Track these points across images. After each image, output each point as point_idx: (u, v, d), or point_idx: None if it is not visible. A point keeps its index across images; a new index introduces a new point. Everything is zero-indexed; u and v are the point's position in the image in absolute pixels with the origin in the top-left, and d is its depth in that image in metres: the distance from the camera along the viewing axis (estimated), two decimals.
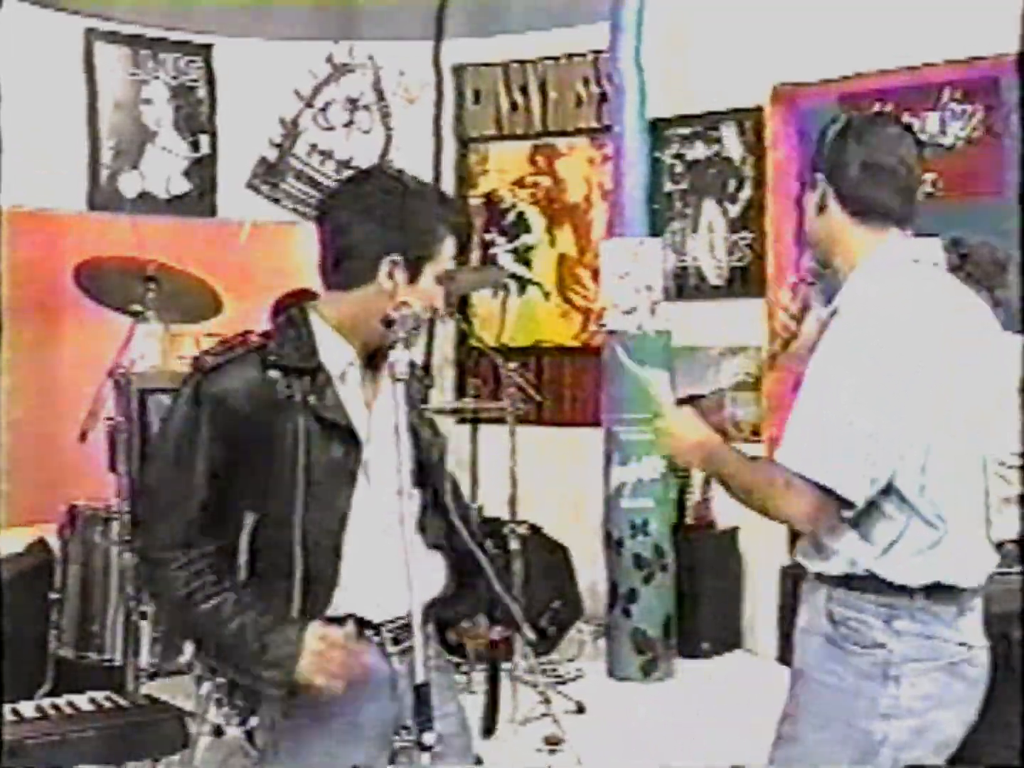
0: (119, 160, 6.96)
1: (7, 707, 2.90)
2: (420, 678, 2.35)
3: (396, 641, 2.63)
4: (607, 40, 6.53)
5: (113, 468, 5.61)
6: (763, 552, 6.56)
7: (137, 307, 4.95)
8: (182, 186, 7.13)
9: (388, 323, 2.48)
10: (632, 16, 6.32)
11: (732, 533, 6.72)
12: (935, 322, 2.64)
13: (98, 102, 6.87)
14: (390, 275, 2.54)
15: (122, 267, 5.06)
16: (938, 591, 2.63)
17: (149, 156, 7.04)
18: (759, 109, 6.71)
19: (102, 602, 5.08)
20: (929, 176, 6.24)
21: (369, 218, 2.55)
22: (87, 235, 6.96)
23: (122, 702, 2.89)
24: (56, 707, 2.88)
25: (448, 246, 2.61)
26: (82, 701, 2.89)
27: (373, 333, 2.55)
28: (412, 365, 2.48)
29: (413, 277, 2.55)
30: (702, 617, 6.54)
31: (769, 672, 6.12)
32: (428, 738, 2.33)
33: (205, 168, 7.21)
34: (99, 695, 2.95)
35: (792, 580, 6.25)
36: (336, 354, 2.58)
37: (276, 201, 7.42)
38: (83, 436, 5.00)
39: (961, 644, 2.67)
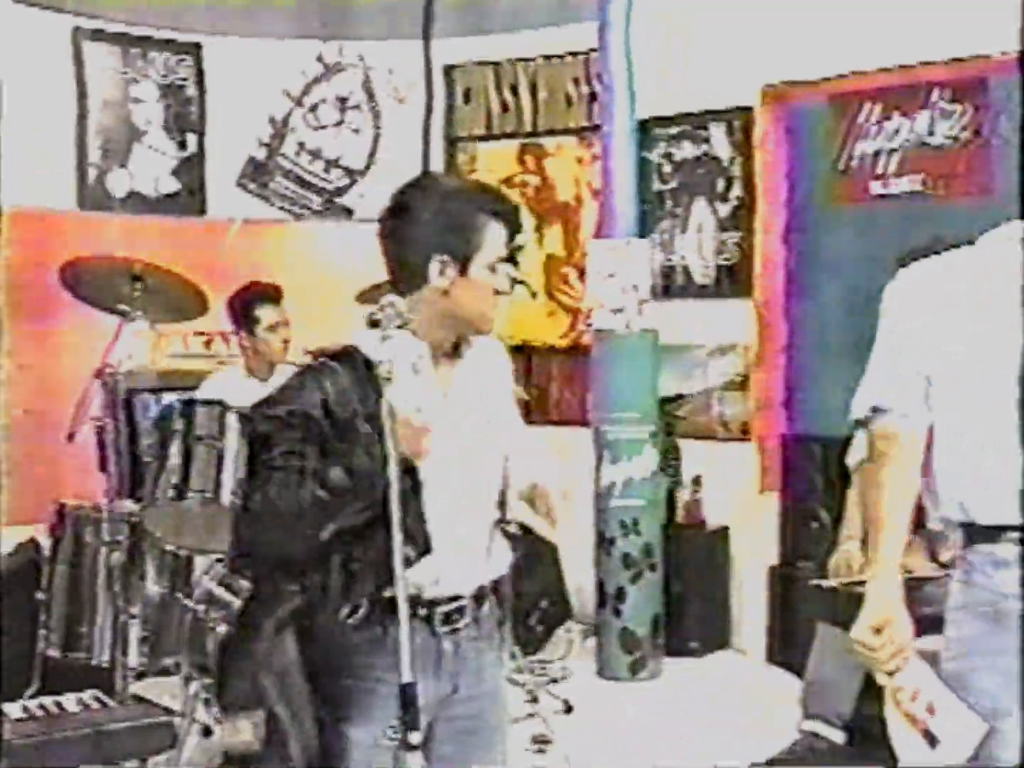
0: (108, 159, 6.99)
1: None
2: (406, 678, 2.37)
3: (447, 620, 2.72)
4: (595, 40, 6.53)
5: (103, 468, 5.65)
6: (753, 552, 6.64)
7: (123, 306, 4.93)
8: (171, 185, 7.16)
9: (373, 323, 2.51)
10: (621, 15, 6.35)
11: (722, 532, 6.78)
12: None
13: (87, 101, 6.90)
14: (441, 273, 2.67)
15: (108, 266, 5.06)
16: None
17: (138, 155, 7.08)
18: (748, 109, 6.75)
19: (90, 602, 5.08)
20: (918, 175, 6.38)
21: (411, 224, 2.69)
22: (76, 235, 6.95)
23: (109, 702, 2.90)
24: (43, 707, 2.88)
25: (493, 232, 2.70)
26: (70, 702, 2.89)
27: (442, 330, 2.74)
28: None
29: (463, 270, 2.68)
30: (691, 616, 6.58)
31: (757, 672, 6.32)
32: (414, 738, 2.37)
33: (194, 167, 7.25)
34: (86, 695, 2.96)
35: (781, 580, 6.37)
36: (406, 350, 2.64)
37: (265, 200, 7.47)
38: (71, 436, 4.99)
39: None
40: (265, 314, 5.43)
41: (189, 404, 4.75)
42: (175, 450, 4.65)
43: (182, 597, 5.01)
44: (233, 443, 4.66)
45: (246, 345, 5.50)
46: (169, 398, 5.51)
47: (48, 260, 6.42)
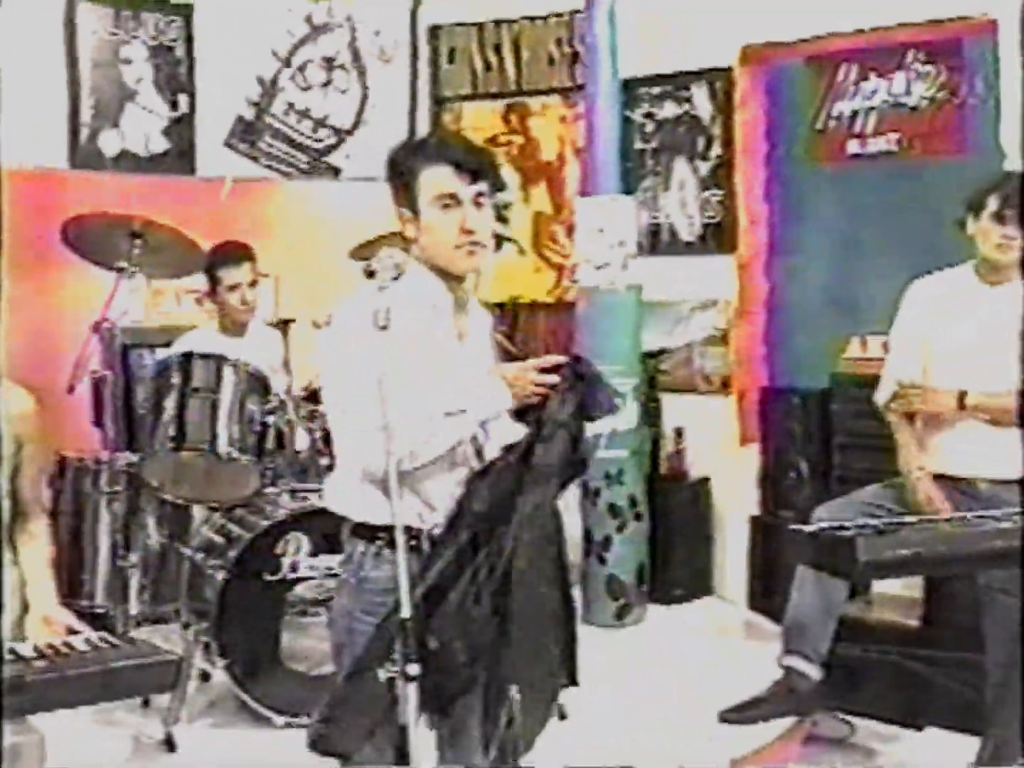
0: (99, 119, 7.01)
1: (6, 646, 3.04)
2: (405, 613, 2.52)
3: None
4: (579, 1, 6.63)
5: (98, 422, 5.76)
6: (733, 502, 6.77)
7: (123, 263, 5.01)
8: (161, 144, 7.17)
9: (370, 274, 2.66)
10: None
11: (704, 483, 6.90)
12: None
13: (79, 62, 6.90)
14: (404, 224, 2.93)
15: (108, 223, 5.10)
16: None
17: (129, 115, 7.08)
18: (728, 69, 6.80)
19: (91, 551, 5.25)
20: (894, 135, 6.47)
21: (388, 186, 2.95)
22: (69, 193, 7.01)
23: (117, 642, 3.02)
24: (53, 647, 3.01)
25: (430, 174, 2.88)
26: (79, 642, 3.02)
27: (437, 278, 2.94)
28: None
29: (415, 217, 2.90)
30: (674, 564, 6.69)
31: (738, 617, 6.44)
32: (412, 669, 2.50)
33: (184, 127, 7.25)
34: (94, 636, 3.08)
35: (762, 529, 6.49)
36: (430, 288, 2.94)
37: (254, 159, 7.47)
38: (71, 389, 5.10)
39: None
40: (227, 274, 5.39)
41: (187, 357, 4.87)
42: (172, 402, 4.81)
43: (180, 546, 5.20)
44: (228, 395, 4.82)
45: (214, 304, 5.54)
46: (163, 352, 5.64)
47: (43, 217, 6.55)
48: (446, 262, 2.93)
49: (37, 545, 3.40)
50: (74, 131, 6.94)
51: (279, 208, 7.34)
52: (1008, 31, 5.80)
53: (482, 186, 2.94)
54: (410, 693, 2.47)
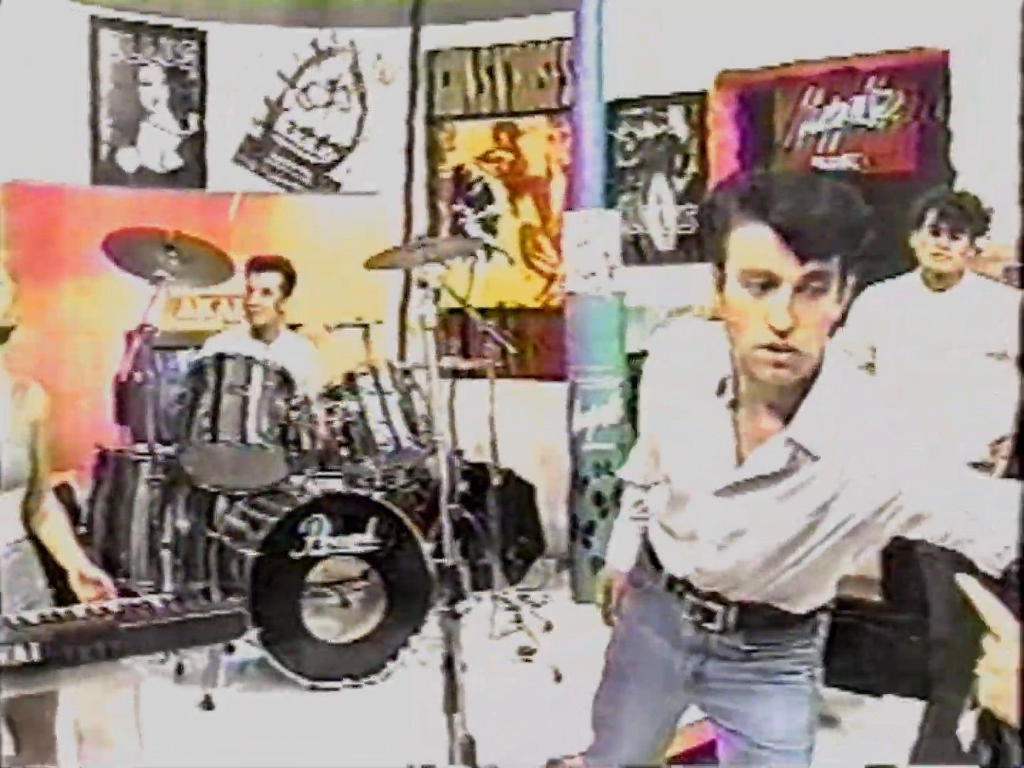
0: (118, 137, 7.41)
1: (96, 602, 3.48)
2: (450, 561, 3.01)
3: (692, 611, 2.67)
4: (566, 29, 6.90)
5: (119, 420, 6.11)
6: None
7: (160, 272, 5.30)
8: (175, 161, 7.59)
9: (422, 284, 3.17)
10: (593, 7, 6.67)
11: None
12: None
13: (99, 84, 7.31)
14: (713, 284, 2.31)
15: (145, 237, 5.37)
16: None
17: (145, 134, 7.49)
18: (703, 93, 7.05)
19: (127, 534, 5.59)
20: (855, 154, 6.69)
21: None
22: (87, 207, 7.26)
23: (186, 599, 3.49)
24: (133, 604, 3.45)
25: (746, 234, 2.13)
26: (154, 599, 3.46)
27: None
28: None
29: (719, 285, 2.22)
30: None
31: None
32: (459, 607, 2.99)
33: (196, 144, 7.65)
34: (164, 595, 3.54)
35: None
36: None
37: (261, 175, 7.88)
38: (124, 382, 5.44)
39: None
40: (251, 279, 5.81)
41: (220, 358, 5.25)
42: (207, 399, 5.19)
43: (208, 530, 5.58)
44: (257, 392, 5.20)
45: (246, 308, 5.92)
46: (183, 355, 6.04)
47: (60, 230, 6.89)
48: (742, 362, 2.24)
49: (55, 519, 3.72)
50: (95, 149, 7.33)
51: (284, 219, 7.69)
52: (959, 60, 6.14)
53: (820, 265, 2.10)
54: (456, 629, 2.96)
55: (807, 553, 2.41)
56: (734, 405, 2.33)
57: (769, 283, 2.10)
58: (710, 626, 2.61)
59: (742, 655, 2.61)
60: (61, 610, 3.36)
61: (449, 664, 2.95)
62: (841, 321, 2.26)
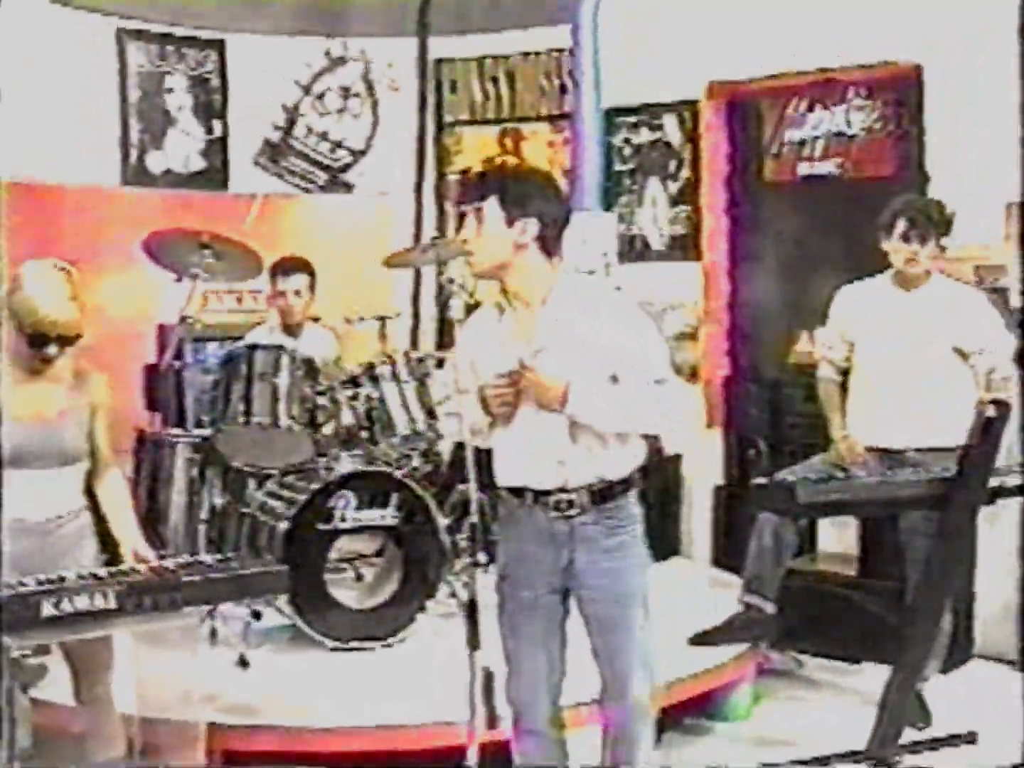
0: (146, 142, 7.75)
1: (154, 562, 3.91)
2: (475, 519, 3.47)
3: (557, 508, 3.60)
4: (566, 40, 7.20)
5: (151, 406, 6.54)
6: (700, 475, 7.29)
7: (195, 270, 5.64)
8: (199, 164, 7.93)
9: (450, 280, 3.64)
10: (589, 20, 6.99)
11: (675, 459, 7.30)
12: None
13: (128, 91, 7.66)
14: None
15: (180, 237, 5.72)
16: None
17: (171, 138, 7.84)
18: (696, 102, 7.25)
19: (166, 510, 5.86)
20: (837, 159, 6.98)
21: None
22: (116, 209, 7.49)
23: (237, 559, 3.93)
24: (191, 563, 3.87)
25: None
26: (210, 559, 3.90)
27: None
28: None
29: None
30: (650, 528, 6.93)
31: (704, 572, 7.02)
32: (481, 557, 3.45)
33: (219, 148, 7.99)
34: (212, 557, 3.97)
35: (724, 498, 7.11)
36: None
37: (279, 176, 8.20)
38: (164, 371, 5.82)
39: None
40: (277, 283, 6.20)
41: (252, 348, 5.63)
42: (240, 385, 5.54)
43: (240, 506, 5.91)
44: (286, 379, 5.56)
45: (274, 306, 6.30)
46: (212, 345, 6.44)
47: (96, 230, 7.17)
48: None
49: (116, 495, 4.14)
50: (125, 152, 7.68)
51: (300, 218, 8.03)
52: (931, 74, 6.40)
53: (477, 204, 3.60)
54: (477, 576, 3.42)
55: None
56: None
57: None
58: (572, 512, 3.56)
59: (601, 529, 3.59)
60: (126, 567, 3.84)
61: (472, 608, 3.41)
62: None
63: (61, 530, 3.99)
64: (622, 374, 3.53)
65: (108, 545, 4.14)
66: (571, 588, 3.64)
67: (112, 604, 3.51)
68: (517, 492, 3.66)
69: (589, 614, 3.67)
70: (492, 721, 3.34)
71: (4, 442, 3.79)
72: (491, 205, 3.50)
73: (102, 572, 3.71)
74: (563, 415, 3.50)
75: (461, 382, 3.59)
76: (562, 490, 3.59)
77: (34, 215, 6.70)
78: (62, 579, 3.53)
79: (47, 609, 3.39)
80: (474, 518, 3.47)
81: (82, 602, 3.45)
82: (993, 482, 4.56)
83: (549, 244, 3.57)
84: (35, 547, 3.89)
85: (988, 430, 4.33)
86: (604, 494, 3.60)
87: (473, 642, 3.40)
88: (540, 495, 3.59)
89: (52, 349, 3.86)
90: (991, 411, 4.31)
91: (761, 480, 4.74)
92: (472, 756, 3.45)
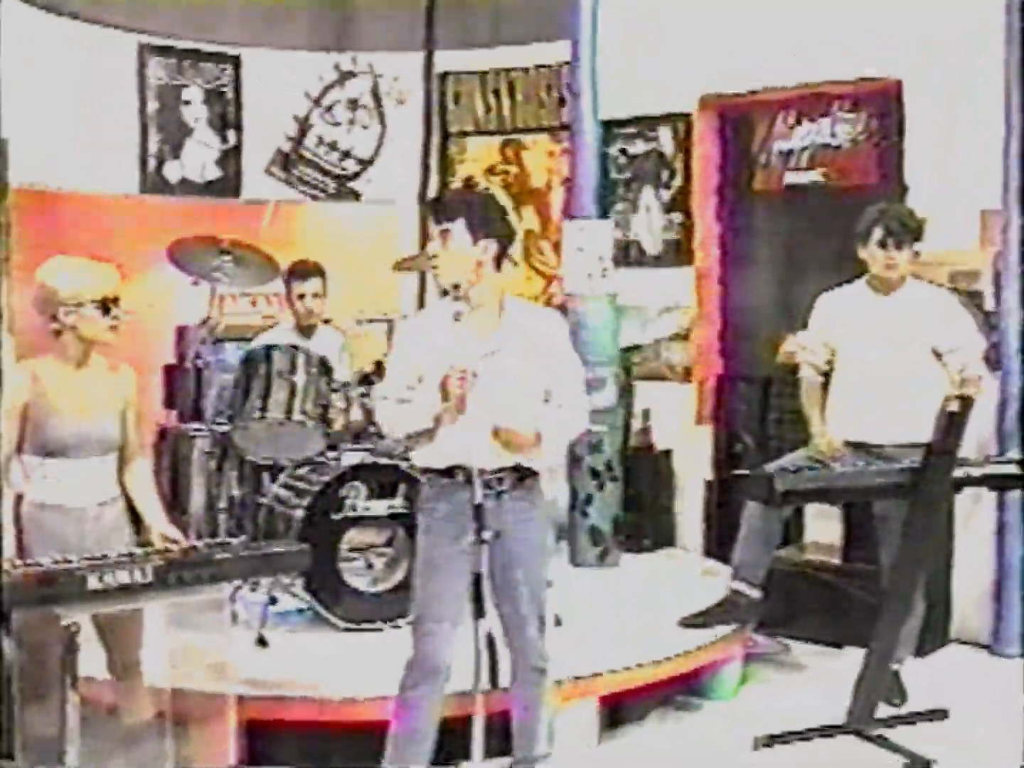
0: (164, 151, 8.05)
1: (184, 543, 4.21)
2: (478, 500, 3.78)
3: (486, 485, 3.89)
4: (566, 55, 7.28)
5: (169, 404, 6.83)
6: (692, 469, 7.48)
7: (217, 275, 5.86)
8: (214, 172, 8.23)
9: (455, 285, 3.97)
10: (588, 36, 7.08)
11: (668, 454, 7.55)
12: None
13: (147, 103, 7.97)
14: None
15: (203, 243, 5.93)
16: None
17: (188, 148, 8.14)
18: (688, 114, 7.44)
19: (187, 498, 6.15)
20: (822, 169, 7.17)
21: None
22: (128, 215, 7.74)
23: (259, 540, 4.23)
24: (222, 542, 4.16)
25: None
26: (239, 540, 4.20)
27: None
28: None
29: None
30: (644, 520, 7.35)
31: (695, 562, 7.20)
32: (485, 535, 3.77)
33: (233, 158, 8.28)
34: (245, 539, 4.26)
35: (714, 491, 7.34)
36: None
37: (290, 184, 8.49)
38: (187, 369, 6.10)
39: None
40: (295, 286, 6.37)
41: (269, 348, 5.86)
42: (258, 383, 5.77)
43: (257, 497, 6.18)
44: (301, 378, 5.79)
45: (289, 308, 6.50)
46: (229, 345, 6.63)
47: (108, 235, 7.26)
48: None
49: (144, 482, 4.37)
50: (144, 161, 7.98)
51: (310, 224, 8.27)
52: (910, 88, 6.61)
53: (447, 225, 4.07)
54: (484, 552, 3.75)
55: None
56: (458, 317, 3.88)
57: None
58: (502, 487, 4.07)
59: (524, 504, 4.12)
60: (161, 546, 4.11)
61: (477, 581, 3.75)
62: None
63: (103, 516, 4.25)
64: (554, 389, 4.16)
65: (139, 532, 4.40)
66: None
67: (150, 578, 3.81)
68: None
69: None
70: (494, 679, 3.67)
71: (51, 433, 4.08)
72: (458, 227, 4.00)
73: (139, 551, 4.01)
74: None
75: (411, 373, 4.07)
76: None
77: (54, 222, 6.95)
78: (105, 556, 3.84)
79: (92, 582, 3.69)
80: (478, 497, 3.76)
81: (123, 576, 3.75)
82: (958, 473, 4.86)
83: (500, 260, 4.08)
84: (77, 532, 4.15)
85: (951, 424, 4.63)
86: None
87: (478, 612, 3.71)
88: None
89: (108, 312, 4.16)
90: (954, 406, 4.60)
91: (743, 471, 4.98)
92: (478, 723, 3.74)
